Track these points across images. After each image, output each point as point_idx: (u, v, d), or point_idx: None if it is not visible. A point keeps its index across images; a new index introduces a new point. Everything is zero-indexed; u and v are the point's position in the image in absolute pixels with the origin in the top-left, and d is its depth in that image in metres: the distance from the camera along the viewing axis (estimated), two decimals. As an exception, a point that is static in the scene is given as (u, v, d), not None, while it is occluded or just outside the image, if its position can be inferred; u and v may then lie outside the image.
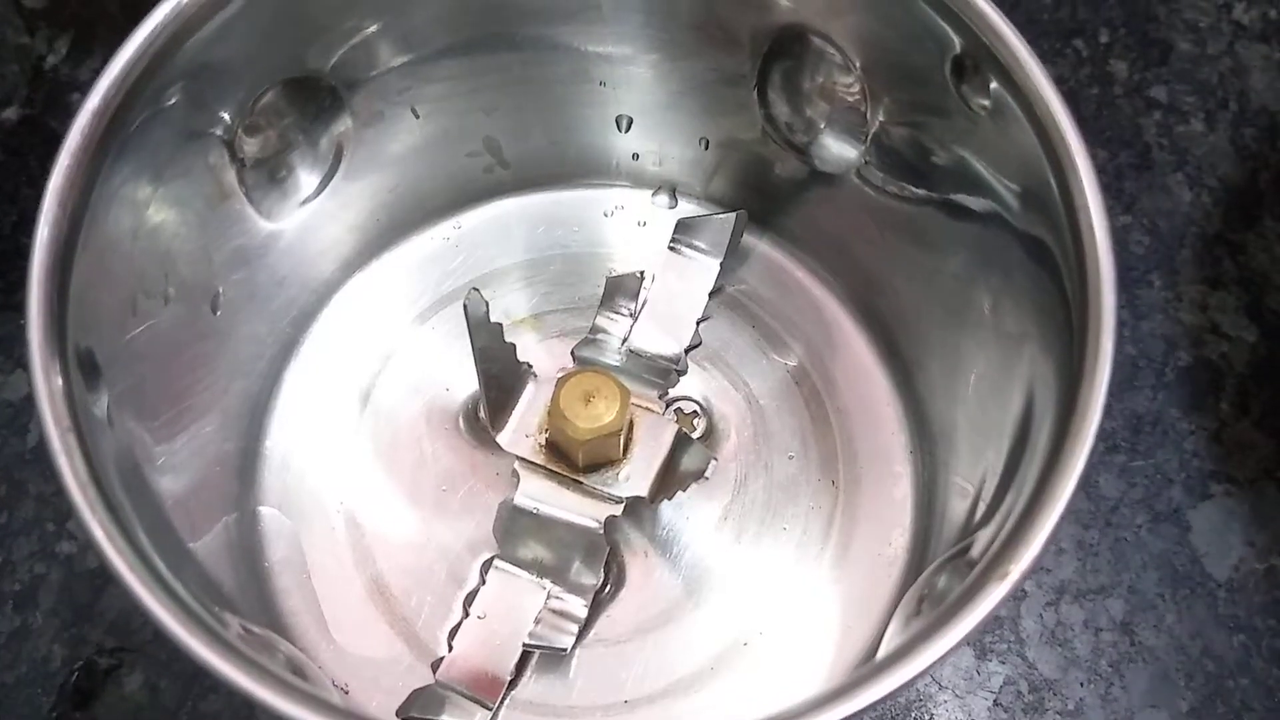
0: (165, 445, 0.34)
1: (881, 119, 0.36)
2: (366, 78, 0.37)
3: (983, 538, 0.30)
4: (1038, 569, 0.41)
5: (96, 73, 0.47)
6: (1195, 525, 0.42)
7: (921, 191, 0.37)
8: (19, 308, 0.43)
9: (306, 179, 0.38)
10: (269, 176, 0.37)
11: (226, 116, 0.34)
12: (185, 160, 0.34)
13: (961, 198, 0.35)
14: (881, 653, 0.30)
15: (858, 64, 0.35)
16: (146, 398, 0.33)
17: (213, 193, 0.35)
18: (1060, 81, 0.50)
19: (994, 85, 0.31)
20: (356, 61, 0.36)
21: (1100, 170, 0.48)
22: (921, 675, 0.25)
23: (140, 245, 0.32)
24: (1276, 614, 0.41)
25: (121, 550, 0.25)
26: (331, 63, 0.36)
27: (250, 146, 0.35)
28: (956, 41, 0.32)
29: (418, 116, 0.39)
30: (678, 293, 0.41)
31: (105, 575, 0.40)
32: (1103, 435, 0.43)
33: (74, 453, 0.26)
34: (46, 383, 0.26)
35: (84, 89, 0.48)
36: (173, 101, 0.32)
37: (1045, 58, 0.49)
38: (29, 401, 0.43)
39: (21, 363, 0.44)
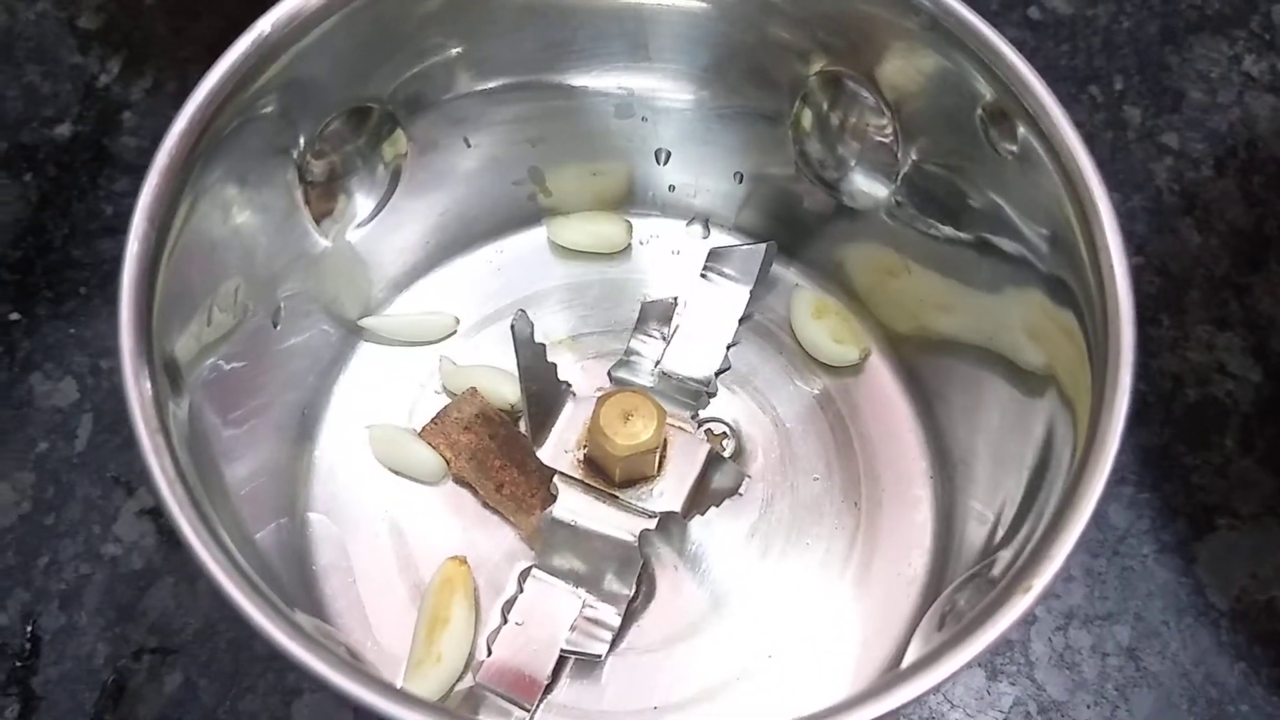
0: (234, 431, 0.35)
1: (914, 158, 0.38)
2: (428, 106, 0.39)
3: (1003, 558, 0.31)
4: (1048, 595, 0.42)
5: (147, 92, 0.50)
6: (1200, 556, 0.43)
7: (949, 229, 0.38)
8: (69, 317, 0.46)
9: (364, 202, 0.40)
10: (330, 197, 0.38)
11: (302, 139, 0.36)
12: (267, 170, 0.35)
13: (988, 237, 0.37)
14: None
15: (891, 108, 0.37)
16: (216, 397, 0.34)
17: (285, 205, 0.37)
18: (1076, 127, 0.52)
19: (1022, 132, 0.33)
20: (422, 90, 0.38)
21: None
22: (948, 680, 0.27)
23: (217, 256, 0.34)
24: (1276, 644, 0.42)
25: (207, 544, 0.27)
26: (400, 90, 0.38)
27: (317, 169, 0.37)
28: (987, 91, 0.33)
29: (469, 145, 0.41)
30: (708, 318, 0.42)
31: (148, 577, 0.42)
32: (1112, 468, 0.44)
33: (163, 452, 0.27)
34: (137, 387, 0.28)
35: (135, 107, 0.50)
36: (266, 111, 0.33)
37: (1061, 103, 0.51)
38: (77, 408, 0.44)
39: (70, 370, 0.45)
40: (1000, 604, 0.27)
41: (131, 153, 0.49)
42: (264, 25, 0.32)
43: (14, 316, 0.46)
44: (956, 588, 0.34)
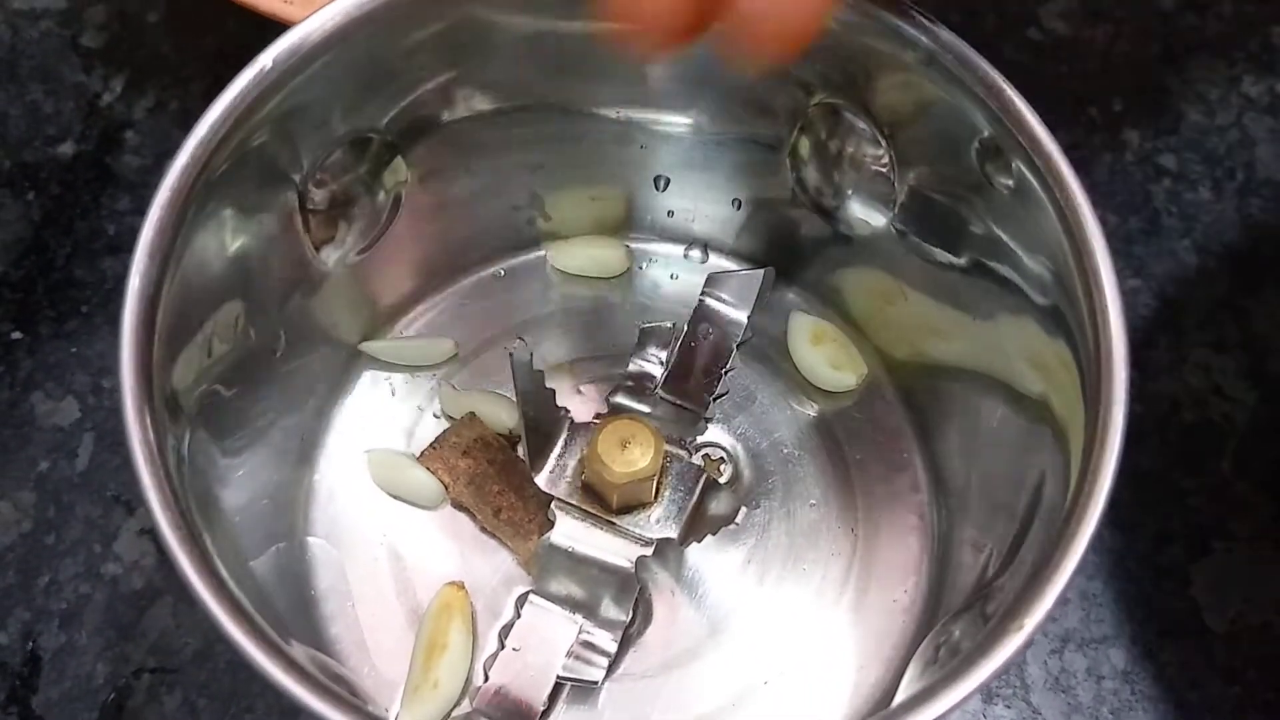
0: (233, 458, 0.36)
1: (910, 188, 0.38)
2: (427, 134, 0.39)
3: (997, 592, 0.32)
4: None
5: (150, 111, 0.50)
6: (1195, 579, 0.43)
7: (945, 257, 0.38)
8: (70, 336, 0.46)
9: (365, 229, 0.40)
10: (331, 225, 0.39)
11: (303, 168, 0.36)
12: (268, 200, 0.36)
13: (983, 265, 0.37)
14: (900, 698, 0.32)
15: (888, 139, 0.37)
16: (215, 423, 0.34)
17: (286, 233, 0.37)
18: (1074, 148, 0.51)
19: (1017, 167, 0.33)
20: (421, 118, 0.38)
21: (1111, 235, 0.49)
22: (940, 720, 0.27)
23: (218, 286, 0.34)
24: (1271, 667, 0.42)
25: (206, 582, 0.27)
26: (400, 120, 0.38)
27: (318, 197, 0.37)
28: (984, 126, 0.33)
29: (469, 172, 0.41)
30: (707, 343, 0.42)
31: (149, 596, 0.42)
32: (1103, 511, 0.44)
33: (163, 488, 0.28)
34: (138, 423, 0.28)
35: (137, 126, 0.50)
36: (266, 143, 0.34)
37: (1060, 124, 0.51)
38: (78, 427, 0.44)
39: (71, 389, 0.45)
40: (992, 643, 0.27)
41: (134, 172, 0.49)
42: (265, 60, 0.32)
43: (16, 335, 0.46)
44: (952, 619, 0.35)
